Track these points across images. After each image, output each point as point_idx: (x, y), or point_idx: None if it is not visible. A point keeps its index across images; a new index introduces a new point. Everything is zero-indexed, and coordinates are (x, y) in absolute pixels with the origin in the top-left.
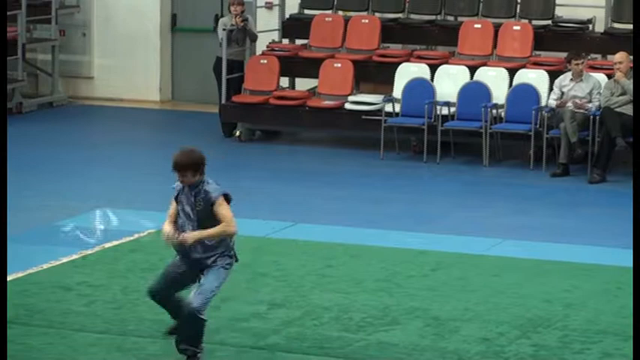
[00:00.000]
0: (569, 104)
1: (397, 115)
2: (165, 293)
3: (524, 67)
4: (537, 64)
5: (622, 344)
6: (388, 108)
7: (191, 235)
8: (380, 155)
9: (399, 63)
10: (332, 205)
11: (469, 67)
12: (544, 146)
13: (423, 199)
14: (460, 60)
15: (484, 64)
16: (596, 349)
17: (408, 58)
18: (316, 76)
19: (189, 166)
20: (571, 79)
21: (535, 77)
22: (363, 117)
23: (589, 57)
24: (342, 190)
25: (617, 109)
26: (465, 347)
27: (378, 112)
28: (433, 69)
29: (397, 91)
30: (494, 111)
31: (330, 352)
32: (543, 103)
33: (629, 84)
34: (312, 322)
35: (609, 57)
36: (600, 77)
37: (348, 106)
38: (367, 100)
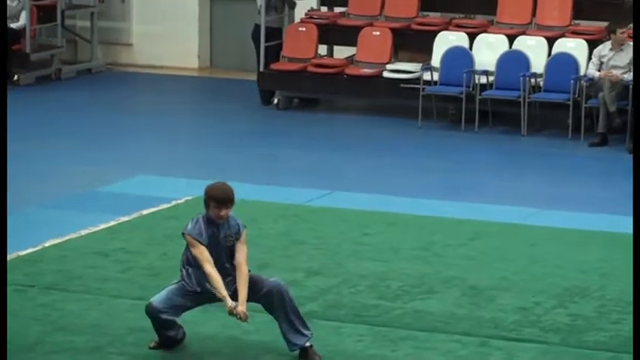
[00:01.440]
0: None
1: (435, 83)
2: (172, 314)
3: (563, 36)
4: (576, 34)
5: None
6: (426, 76)
7: (244, 306)
8: (418, 124)
9: (438, 31)
10: (369, 174)
11: (508, 35)
12: (582, 116)
13: (461, 168)
14: (499, 29)
15: (523, 33)
16: (632, 319)
17: (447, 26)
18: (354, 44)
19: (233, 201)
20: (610, 49)
21: (574, 46)
22: (401, 85)
23: (629, 26)
24: (380, 159)
25: None
26: (502, 316)
27: (417, 80)
28: (472, 37)
29: (435, 60)
30: (532, 80)
31: (367, 319)
32: (582, 72)
33: None
34: (349, 290)
35: None
36: None
37: (386, 74)
38: (405, 68)
